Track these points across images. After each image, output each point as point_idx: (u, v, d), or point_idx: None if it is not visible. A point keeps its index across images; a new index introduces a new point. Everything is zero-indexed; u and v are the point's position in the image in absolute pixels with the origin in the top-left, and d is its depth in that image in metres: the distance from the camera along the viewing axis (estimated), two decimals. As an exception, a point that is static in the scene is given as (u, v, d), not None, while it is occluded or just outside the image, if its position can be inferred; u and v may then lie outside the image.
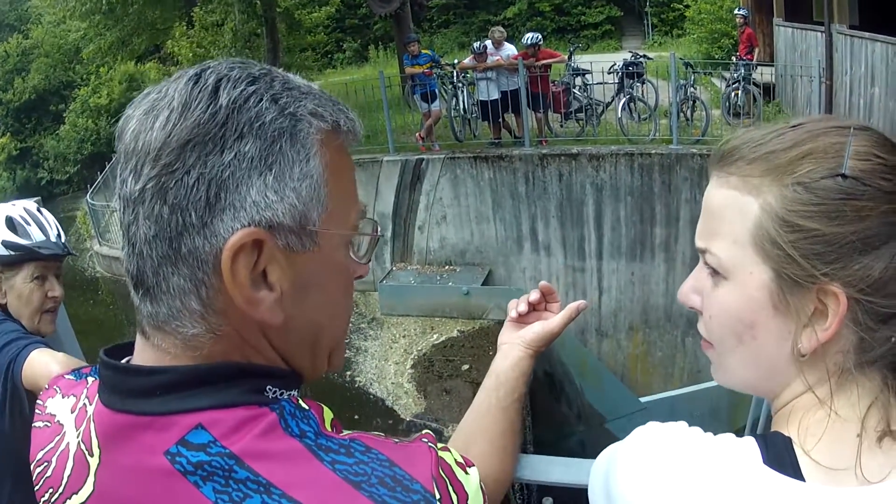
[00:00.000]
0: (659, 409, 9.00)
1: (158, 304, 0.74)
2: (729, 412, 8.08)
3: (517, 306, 1.35)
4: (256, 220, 0.71)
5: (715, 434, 0.83)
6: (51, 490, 0.83)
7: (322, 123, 0.76)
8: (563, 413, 9.62)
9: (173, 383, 0.74)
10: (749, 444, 0.78)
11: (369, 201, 11.35)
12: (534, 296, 1.36)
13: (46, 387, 0.97)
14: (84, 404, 0.86)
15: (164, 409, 0.72)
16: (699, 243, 0.87)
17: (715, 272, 0.85)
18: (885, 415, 0.76)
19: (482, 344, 9.33)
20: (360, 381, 9.35)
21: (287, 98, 0.75)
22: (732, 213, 0.82)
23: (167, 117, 0.71)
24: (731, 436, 0.81)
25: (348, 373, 9.53)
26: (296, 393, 0.81)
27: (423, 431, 0.82)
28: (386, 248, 11.52)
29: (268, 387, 0.76)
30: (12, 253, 2.06)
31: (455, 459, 0.81)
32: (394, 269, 11.46)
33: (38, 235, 2.10)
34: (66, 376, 0.96)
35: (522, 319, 1.34)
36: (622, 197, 10.18)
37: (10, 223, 2.08)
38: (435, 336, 9.82)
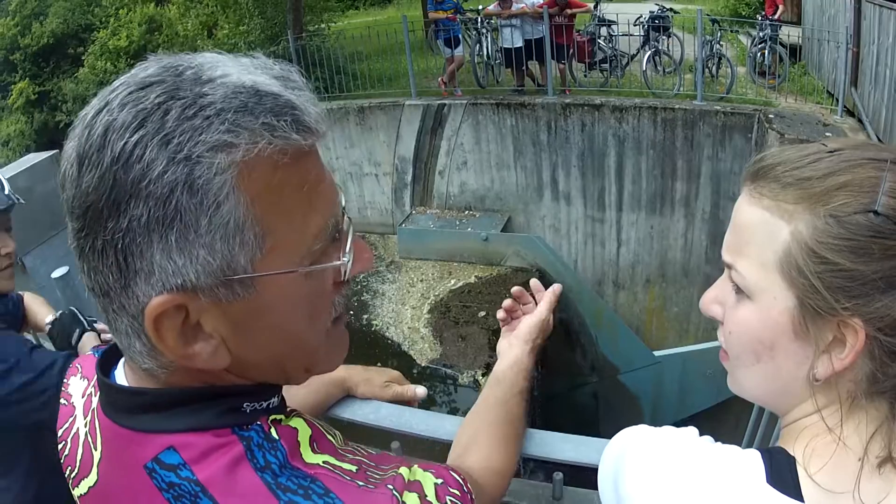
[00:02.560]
0: (672, 364, 9.06)
1: (117, 337, 0.74)
2: (741, 371, 8.06)
3: (498, 314, 1.43)
4: (169, 285, 0.66)
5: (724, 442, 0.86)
6: (69, 468, 0.88)
7: (233, 154, 0.65)
8: (577, 363, 9.65)
9: (149, 405, 0.75)
10: (754, 460, 0.81)
11: (390, 145, 11.32)
12: (507, 303, 1.43)
13: (75, 364, 1.00)
14: (91, 393, 0.88)
15: (142, 426, 0.75)
16: (726, 257, 0.88)
17: (739, 289, 0.85)
18: (887, 442, 0.78)
19: (499, 291, 9.29)
20: (376, 325, 9.38)
21: (181, 136, 0.64)
22: (762, 235, 0.82)
23: (70, 175, 0.67)
24: (736, 449, 0.83)
25: (365, 316, 9.57)
26: (275, 401, 0.80)
27: (397, 473, 0.77)
28: (406, 192, 11.56)
29: (244, 404, 0.76)
30: None
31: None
32: (413, 212, 11.48)
33: None
34: (93, 353, 0.97)
35: (512, 323, 1.43)
36: (644, 150, 10.09)
37: None
38: (452, 281, 9.81)
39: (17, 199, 2.13)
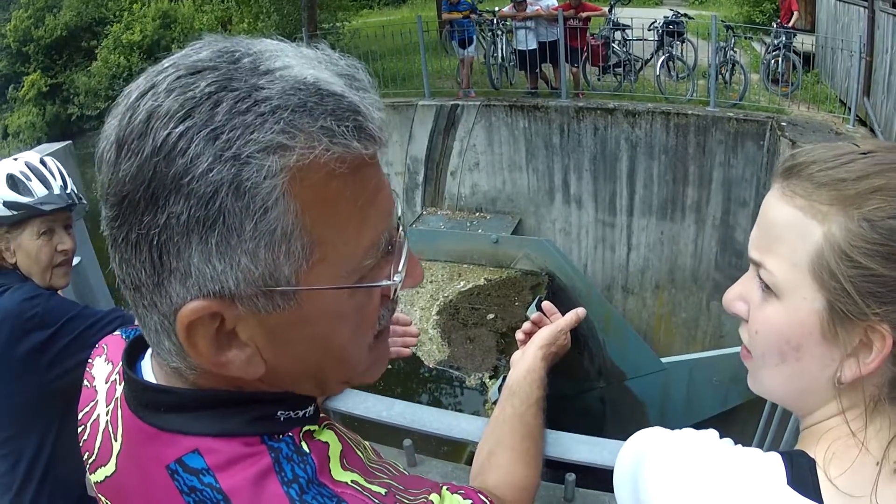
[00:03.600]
0: (679, 371, 9.00)
1: (146, 332, 0.71)
2: (747, 380, 8.04)
3: (517, 336, 1.43)
4: (206, 290, 0.63)
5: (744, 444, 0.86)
6: (87, 453, 0.85)
7: (286, 158, 0.60)
8: (584, 367, 9.62)
9: (176, 404, 0.72)
10: (775, 463, 0.80)
11: (403, 144, 11.33)
12: (526, 326, 1.43)
13: (101, 345, 0.97)
14: (115, 379, 0.85)
15: (167, 425, 0.72)
16: (754, 254, 0.87)
17: (767, 288, 0.85)
18: None
19: (508, 293, 9.26)
20: (385, 326, 9.35)
21: (231, 132, 0.59)
22: (794, 234, 0.81)
23: (108, 158, 0.63)
24: (758, 451, 0.83)
25: (374, 316, 9.52)
26: (310, 410, 0.77)
27: (428, 499, 0.75)
28: (417, 192, 11.55)
29: (278, 412, 0.73)
30: (14, 213, 2.00)
31: None
32: (424, 212, 11.47)
33: (40, 190, 2.04)
34: (120, 334, 0.95)
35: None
36: (656, 155, 10.08)
37: (11, 180, 2.01)
38: (462, 283, 9.78)
39: (80, 200, 2.15)
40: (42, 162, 2.12)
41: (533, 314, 1.44)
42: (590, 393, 9.65)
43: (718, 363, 8.68)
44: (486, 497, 0.81)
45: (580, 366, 9.56)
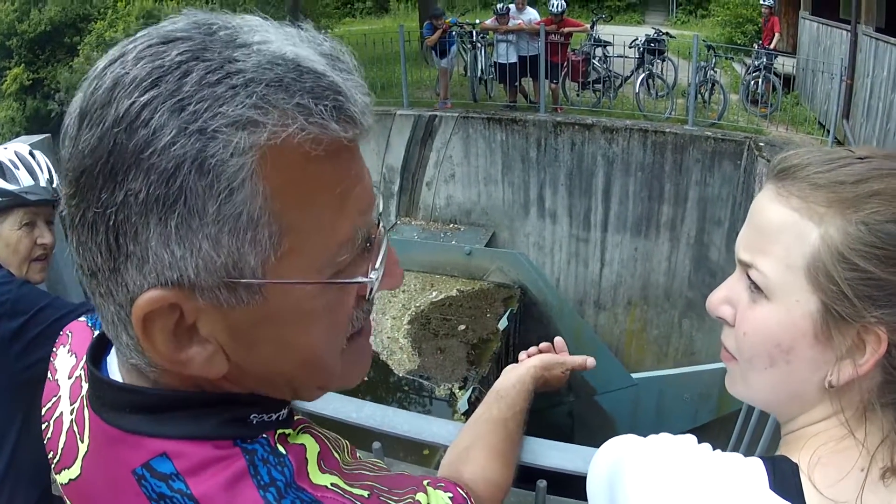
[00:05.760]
0: (650, 387, 9.03)
1: (104, 325, 0.66)
2: (719, 397, 8.10)
3: (528, 351, 1.41)
4: (164, 278, 0.58)
5: (723, 450, 0.85)
6: (52, 452, 0.80)
7: (257, 135, 0.56)
8: (553, 381, 9.64)
9: (142, 405, 0.67)
10: (757, 467, 0.79)
11: (379, 153, 11.32)
12: (544, 345, 1.42)
13: (64, 332, 0.91)
14: (80, 375, 0.80)
15: (133, 427, 0.66)
16: (744, 256, 0.85)
17: (756, 289, 0.83)
18: (892, 453, 0.77)
19: (480, 305, 9.29)
20: (356, 334, 9.34)
21: (199, 104, 0.54)
22: (789, 236, 0.80)
23: (70, 131, 0.59)
24: (738, 456, 0.82)
25: (346, 324, 9.54)
26: (284, 413, 0.71)
27: (414, 499, 0.71)
28: (392, 202, 11.52)
29: (251, 415, 0.68)
30: None
31: None
32: (398, 222, 11.45)
33: (26, 180, 2.01)
34: (86, 322, 0.89)
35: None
36: (632, 172, 10.14)
37: None
38: (434, 293, 9.78)
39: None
40: (31, 153, 2.10)
41: (542, 343, 1.42)
42: (559, 407, 9.66)
43: (689, 380, 8.73)
44: (463, 489, 0.78)
45: (550, 380, 9.57)
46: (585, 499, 0.97)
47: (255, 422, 0.68)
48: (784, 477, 0.78)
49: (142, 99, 0.55)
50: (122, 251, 0.58)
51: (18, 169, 2.02)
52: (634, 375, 9.26)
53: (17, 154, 2.05)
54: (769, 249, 0.81)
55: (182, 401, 0.66)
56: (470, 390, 7.28)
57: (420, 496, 0.71)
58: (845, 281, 0.75)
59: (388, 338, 9.14)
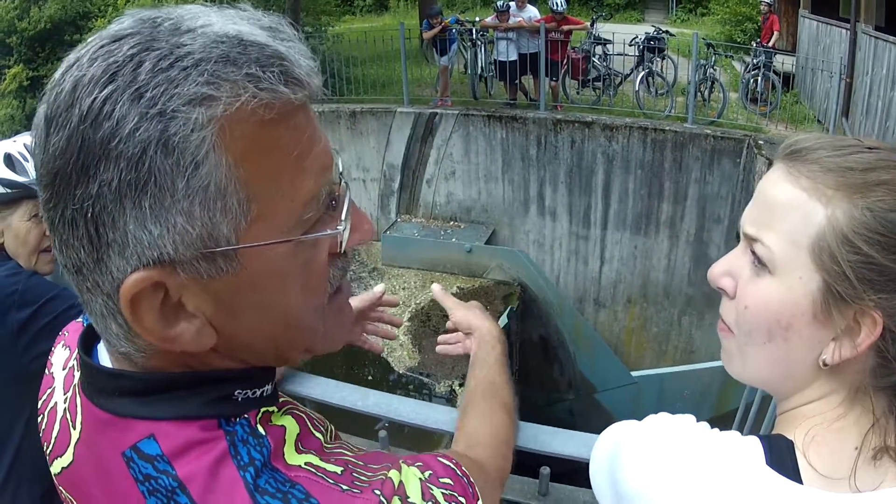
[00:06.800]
0: (649, 384, 9.07)
1: (92, 318, 0.70)
2: (718, 395, 8.13)
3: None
4: (145, 258, 0.61)
5: (721, 430, 0.87)
6: (46, 444, 0.83)
7: (213, 109, 0.59)
8: (554, 379, 9.67)
9: (131, 389, 0.70)
10: (753, 445, 0.82)
11: (379, 151, 11.31)
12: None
13: (62, 332, 0.95)
14: (73, 365, 0.83)
15: (122, 411, 0.70)
16: (749, 230, 0.87)
17: (760, 263, 0.85)
18: (883, 434, 0.79)
19: (481, 302, 9.23)
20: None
21: (155, 89, 0.58)
22: (797, 214, 0.82)
23: (39, 140, 0.63)
24: (736, 434, 0.84)
25: (345, 321, 9.52)
26: (268, 389, 0.75)
27: (387, 476, 0.71)
28: (392, 199, 11.53)
29: (235, 391, 0.71)
30: (9, 191, 2.00)
31: None
32: (399, 220, 11.46)
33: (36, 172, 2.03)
34: (82, 321, 0.90)
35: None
36: (632, 170, 10.14)
37: (9, 160, 2.02)
38: (434, 290, 9.81)
39: None
40: None
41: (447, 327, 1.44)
42: (559, 404, 9.67)
43: (689, 377, 8.75)
44: (449, 459, 0.79)
45: (550, 377, 9.60)
46: (588, 486, 0.99)
47: (240, 398, 0.71)
48: (780, 454, 0.81)
49: (102, 94, 0.58)
50: (102, 241, 0.61)
51: (28, 161, 2.04)
52: (634, 373, 9.29)
53: (26, 146, 2.08)
54: (776, 225, 0.84)
55: (168, 382, 0.70)
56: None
57: (393, 473, 0.72)
58: (847, 263, 0.77)
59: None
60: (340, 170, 0.74)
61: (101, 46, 0.61)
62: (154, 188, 0.59)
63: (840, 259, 0.78)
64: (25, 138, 2.16)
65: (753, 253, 0.86)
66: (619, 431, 0.94)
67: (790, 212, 0.82)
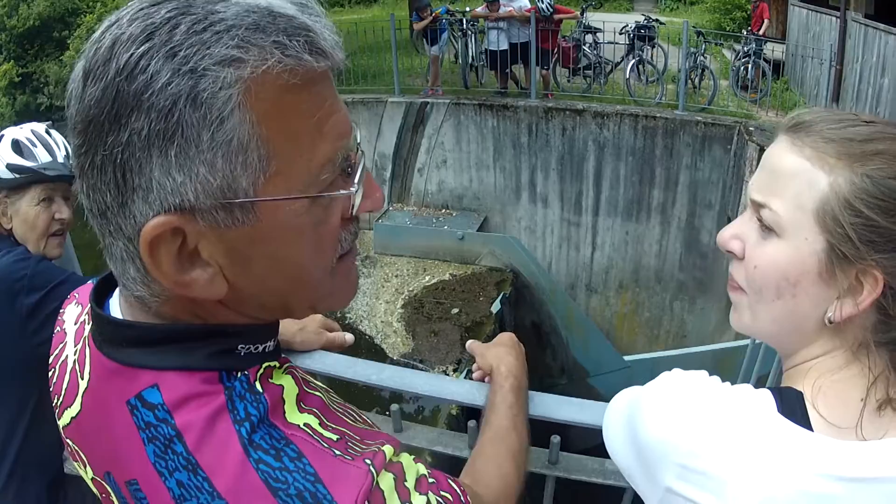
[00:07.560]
0: (642, 369, 9.03)
1: (111, 263, 0.74)
2: (711, 379, 8.12)
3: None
4: (167, 204, 0.65)
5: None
6: (56, 397, 0.87)
7: (241, 70, 0.63)
8: (547, 364, 9.69)
9: (137, 339, 0.74)
10: (765, 395, 0.88)
11: (371, 140, 11.30)
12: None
13: (73, 294, 0.99)
14: (84, 319, 0.87)
15: (129, 360, 0.74)
16: (756, 196, 0.93)
17: (768, 228, 0.91)
18: (886, 387, 0.86)
19: (473, 289, 9.37)
20: (350, 318, 9.34)
21: (188, 49, 0.62)
22: (801, 181, 0.88)
23: (75, 92, 0.67)
24: (748, 386, 0.89)
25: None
26: (271, 345, 0.79)
27: (380, 449, 0.73)
28: (384, 188, 11.50)
29: (239, 345, 0.75)
30: (17, 176, 2.03)
31: (396, 487, 0.71)
32: (390, 208, 11.46)
33: (44, 157, 2.07)
34: (93, 281, 0.93)
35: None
36: (623, 157, 10.16)
37: (17, 146, 2.05)
38: (427, 278, 9.84)
39: None
40: (47, 132, 2.16)
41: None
42: (552, 390, 9.57)
43: (681, 362, 8.67)
44: (458, 485, 0.80)
45: (543, 362, 9.62)
46: (597, 455, 1.02)
47: (242, 353, 0.75)
48: (791, 403, 0.87)
49: (139, 50, 0.63)
50: (128, 185, 0.65)
51: (36, 146, 2.07)
52: (627, 358, 9.30)
53: (33, 132, 2.11)
54: (782, 192, 0.90)
55: (175, 333, 0.74)
56: (464, 373, 7.30)
57: (387, 448, 0.74)
58: (850, 225, 0.84)
59: (382, 322, 9.18)
60: (358, 140, 0.78)
61: (141, 9, 0.66)
62: (181, 139, 0.63)
63: (843, 222, 0.84)
64: (33, 125, 2.19)
65: (760, 220, 0.92)
66: (635, 390, 1.00)
67: (795, 179, 0.89)
